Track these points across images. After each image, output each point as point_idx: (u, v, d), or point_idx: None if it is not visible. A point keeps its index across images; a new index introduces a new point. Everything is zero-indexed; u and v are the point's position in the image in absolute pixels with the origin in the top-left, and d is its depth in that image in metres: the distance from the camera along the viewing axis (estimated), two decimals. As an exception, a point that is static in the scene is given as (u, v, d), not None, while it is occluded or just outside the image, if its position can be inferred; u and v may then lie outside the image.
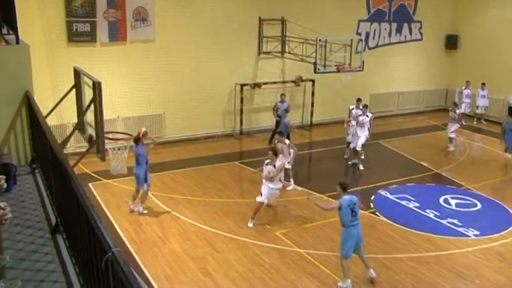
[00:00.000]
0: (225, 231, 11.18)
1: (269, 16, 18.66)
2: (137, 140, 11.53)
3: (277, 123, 17.45)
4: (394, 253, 10.36)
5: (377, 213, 12.33)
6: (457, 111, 17.62)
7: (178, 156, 16.22)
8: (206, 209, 12.37)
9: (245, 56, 18.76)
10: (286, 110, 17.51)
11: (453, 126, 17.44)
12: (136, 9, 16.36)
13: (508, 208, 12.81)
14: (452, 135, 17.52)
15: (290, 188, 13.52)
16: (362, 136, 15.24)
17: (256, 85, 18.99)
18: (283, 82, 19.72)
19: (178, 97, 17.40)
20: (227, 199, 13.09)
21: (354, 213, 8.85)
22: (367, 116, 15.38)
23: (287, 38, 18.69)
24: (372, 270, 9.21)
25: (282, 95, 18.15)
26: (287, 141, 13.34)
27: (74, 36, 15.49)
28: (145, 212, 11.87)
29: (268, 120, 18.28)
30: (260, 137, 18.32)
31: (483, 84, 21.13)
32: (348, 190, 9.12)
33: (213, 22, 17.71)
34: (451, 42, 23.73)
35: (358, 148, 15.33)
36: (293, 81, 19.65)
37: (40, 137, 6.59)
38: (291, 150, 13.11)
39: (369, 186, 14.04)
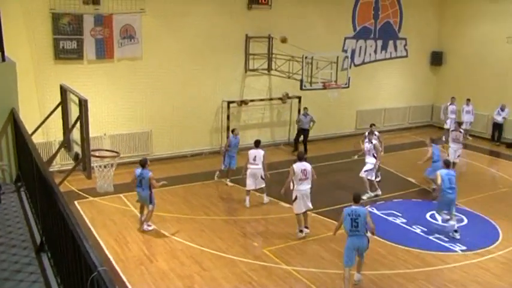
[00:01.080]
0: (212, 248, 11.12)
1: (256, 34, 18.80)
2: (144, 165, 11.83)
3: (299, 133, 18.86)
4: (381, 269, 10.37)
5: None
6: (462, 131, 17.10)
7: (165, 174, 16.08)
8: (193, 227, 12.31)
9: (232, 73, 18.83)
10: (312, 121, 18.72)
11: (459, 149, 16.72)
12: (123, 26, 16.37)
13: (494, 223, 12.91)
14: (458, 159, 16.76)
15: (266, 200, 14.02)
16: (368, 164, 14.59)
17: (243, 102, 19.07)
18: (270, 99, 19.79)
19: (165, 115, 17.40)
20: (214, 216, 13.04)
21: (355, 224, 9.05)
22: (372, 142, 14.68)
23: (274, 56, 18.81)
24: (359, 275, 9.57)
25: (305, 108, 18.89)
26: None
27: (61, 54, 15.44)
28: (150, 228, 12.11)
29: (255, 138, 18.27)
30: (245, 154, 18.33)
31: (468, 100, 21.37)
32: (359, 202, 9.48)
33: (200, 40, 17.77)
34: (436, 59, 24.03)
35: (361, 174, 14.69)
36: (279, 98, 19.76)
37: (25, 154, 6.54)
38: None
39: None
